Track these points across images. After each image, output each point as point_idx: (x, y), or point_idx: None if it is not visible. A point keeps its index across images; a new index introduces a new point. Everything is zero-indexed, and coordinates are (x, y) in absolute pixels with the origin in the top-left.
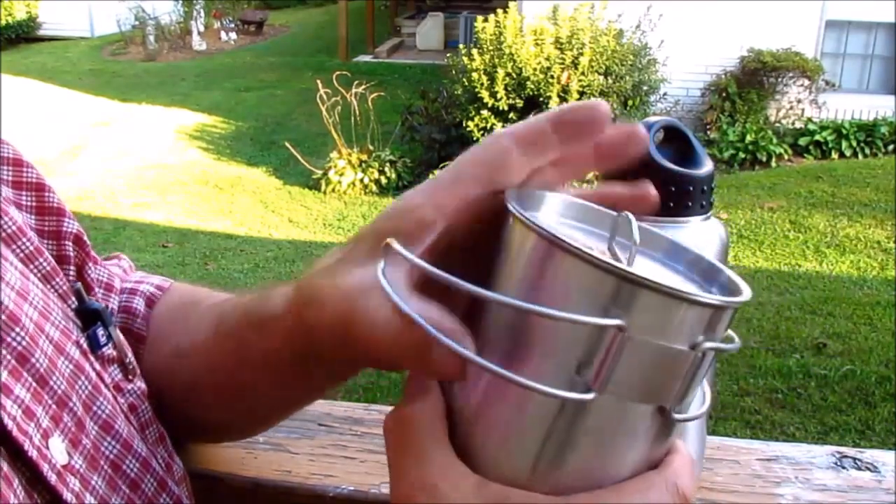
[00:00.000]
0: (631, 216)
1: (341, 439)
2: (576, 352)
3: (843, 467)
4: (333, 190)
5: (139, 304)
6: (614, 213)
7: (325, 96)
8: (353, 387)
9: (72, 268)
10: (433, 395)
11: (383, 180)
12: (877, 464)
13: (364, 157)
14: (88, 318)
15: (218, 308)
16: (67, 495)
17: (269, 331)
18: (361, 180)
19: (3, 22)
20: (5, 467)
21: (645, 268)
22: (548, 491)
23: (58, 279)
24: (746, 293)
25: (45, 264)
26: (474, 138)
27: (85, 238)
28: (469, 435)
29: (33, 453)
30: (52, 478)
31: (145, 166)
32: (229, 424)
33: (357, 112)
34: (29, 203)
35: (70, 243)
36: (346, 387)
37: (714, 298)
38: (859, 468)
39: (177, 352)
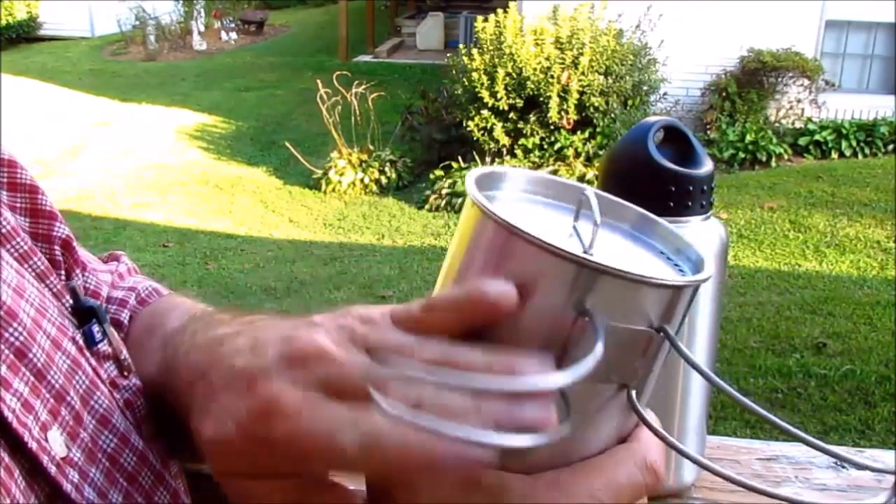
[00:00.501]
0: (592, 192)
1: None
2: (546, 340)
3: (843, 467)
4: (334, 190)
5: (125, 317)
6: (581, 186)
7: (325, 96)
8: None
9: (62, 272)
10: None
11: (383, 180)
12: (877, 463)
13: (364, 156)
14: (83, 315)
15: (163, 343)
16: (67, 487)
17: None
18: (362, 180)
19: (4, 22)
20: (6, 459)
21: (612, 246)
22: (516, 467)
23: (52, 278)
24: (708, 269)
25: (39, 263)
26: (474, 138)
27: (74, 243)
28: None
29: (33, 445)
30: (52, 469)
31: (145, 166)
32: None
33: (357, 112)
34: (23, 205)
35: (59, 248)
36: None
37: (675, 280)
38: (859, 468)
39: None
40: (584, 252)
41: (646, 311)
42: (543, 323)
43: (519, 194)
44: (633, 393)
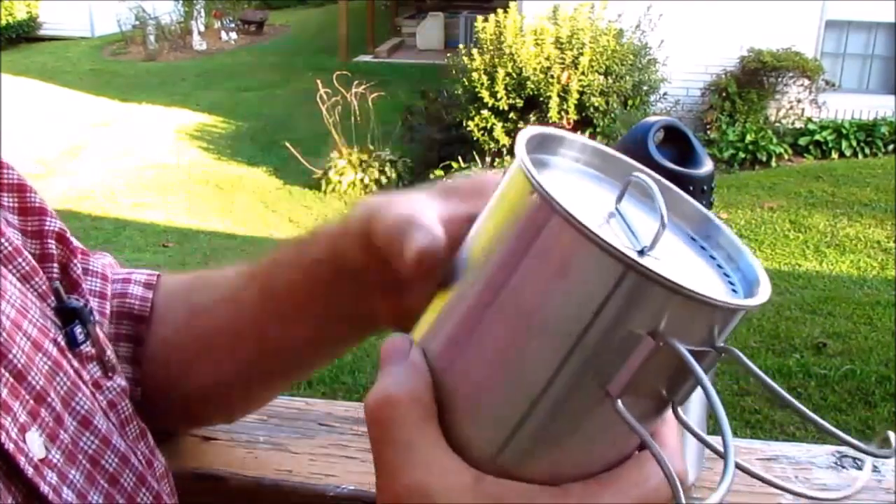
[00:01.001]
0: (653, 181)
1: (342, 439)
2: (602, 357)
3: (843, 467)
4: (334, 189)
5: (135, 289)
6: (633, 164)
7: (325, 96)
8: (355, 386)
9: (55, 265)
10: (421, 371)
11: (383, 180)
12: (877, 464)
13: (364, 156)
14: (67, 316)
15: (246, 263)
16: (44, 488)
17: (318, 239)
18: (362, 180)
19: (4, 22)
20: None
21: (669, 247)
22: (539, 475)
23: (37, 278)
24: (766, 289)
25: (23, 264)
26: (474, 138)
27: (68, 235)
28: (459, 415)
29: (10, 446)
30: (29, 471)
31: (145, 166)
32: (237, 385)
33: (357, 112)
34: (11, 204)
35: (52, 241)
36: (348, 386)
37: (743, 303)
38: (859, 468)
39: (192, 312)
40: (642, 253)
41: (706, 331)
42: (571, 319)
43: (571, 164)
44: (679, 408)
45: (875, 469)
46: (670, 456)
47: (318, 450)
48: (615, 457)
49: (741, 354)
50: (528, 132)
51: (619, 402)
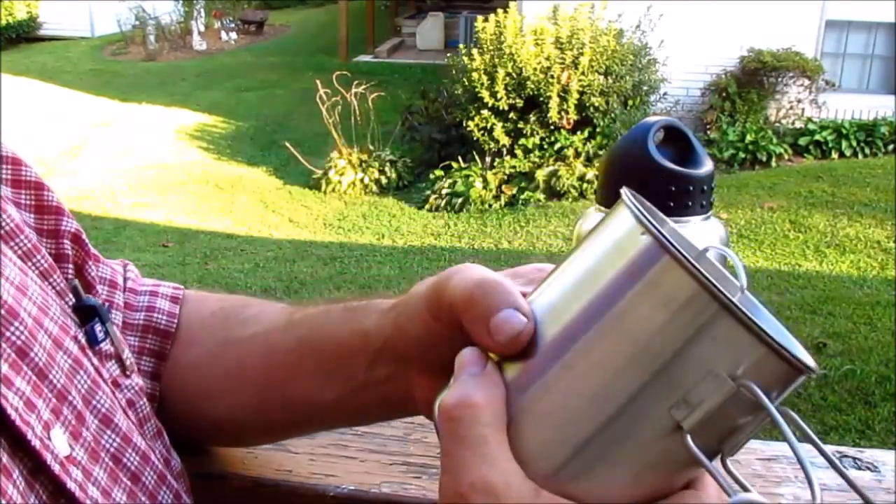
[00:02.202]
0: (733, 255)
1: (342, 439)
2: (682, 390)
3: (843, 467)
4: (334, 190)
5: (162, 303)
6: (700, 248)
7: (325, 96)
8: None
9: (70, 266)
10: (497, 382)
11: (383, 180)
12: (877, 463)
13: (364, 156)
14: (86, 314)
15: (287, 307)
16: (71, 485)
17: (370, 310)
18: (362, 180)
19: (4, 22)
20: (5, 458)
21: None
22: (589, 498)
23: (55, 276)
24: (812, 361)
25: (42, 261)
26: (474, 138)
27: (83, 237)
28: (526, 431)
29: (36, 443)
30: (56, 467)
31: (145, 166)
32: (254, 421)
33: (357, 112)
34: (28, 202)
35: (68, 242)
36: None
37: (813, 367)
38: (859, 468)
39: (226, 339)
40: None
41: (778, 390)
42: (664, 346)
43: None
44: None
45: (875, 469)
46: (713, 497)
47: (318, 450)
48: (660, 490)
49: (797, 418)
50: (631, 196)
51: (689, 437)
